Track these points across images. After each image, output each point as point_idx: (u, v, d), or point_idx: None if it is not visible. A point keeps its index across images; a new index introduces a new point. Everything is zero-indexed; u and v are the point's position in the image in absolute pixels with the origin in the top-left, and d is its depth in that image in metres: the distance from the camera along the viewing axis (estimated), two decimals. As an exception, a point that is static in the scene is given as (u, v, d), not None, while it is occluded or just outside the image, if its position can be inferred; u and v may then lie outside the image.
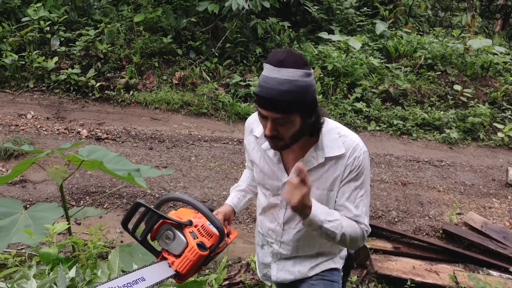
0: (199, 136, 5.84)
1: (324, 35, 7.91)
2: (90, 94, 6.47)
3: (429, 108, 7.09)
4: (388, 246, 3.98)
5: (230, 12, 7.16)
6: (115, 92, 6.48)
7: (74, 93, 6.48)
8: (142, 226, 1.46)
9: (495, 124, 6.91)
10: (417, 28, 9.86)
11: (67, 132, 5.51)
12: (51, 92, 6.45)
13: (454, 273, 3.58)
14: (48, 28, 6.82)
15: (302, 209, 1.44)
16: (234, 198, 1.90)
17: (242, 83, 6.90)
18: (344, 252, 1.86)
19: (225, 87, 6.95)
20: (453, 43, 8.29)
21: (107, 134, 5.59)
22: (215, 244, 1.44)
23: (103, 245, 2.38)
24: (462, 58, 8.01)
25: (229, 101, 6.53)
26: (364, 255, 3.63)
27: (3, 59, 6.36)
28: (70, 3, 7.23)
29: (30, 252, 2.32)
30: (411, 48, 8.15)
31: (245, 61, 7.36)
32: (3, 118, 5.63)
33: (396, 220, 4.50)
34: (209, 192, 4.57)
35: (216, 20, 7.42)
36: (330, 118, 1.60)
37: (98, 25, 7.12)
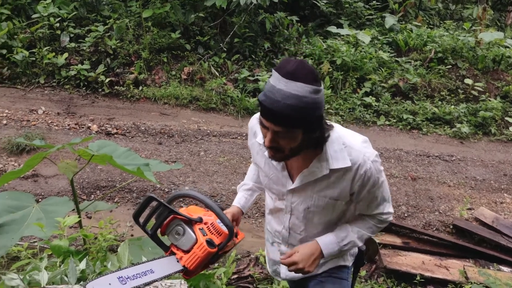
0: (208, 131, 5.85)
1: (332, 29, 7.85)
2: (100, 90, 6.52)
3: (440, 103, 7.02)
4: (397, 241, 3.96)
5: (238, 7, 7.14)
6: (125, 88, 6.51)
7: (84, 88, 6.53)
8: (153, 220, 1.47)
9: (507, 118, 6.82)
10: (427, 21, 9.75)
11: (78, 127, 5.56)
12: (61, 88, 6.50)
13: (464, 269, 3.56)
14: (58, 25, 6.87)
15: (314, 265, 1.57)
16: (242, 198, 1.89)
17: (251, 78, 6.90)
18: (354, 249, 1.83)
19: (234, 82, 6.95)
20: (464, 36, 8.18)
21: (117, 129, 5.63)
22: (223, 242, 1.45)
23: (113, 239, 2.40)
24: (473, 52, 7.90)
25: (237, 96, 6.53)
26: (373, 250, 3.62)
27: (14, 55, 6.42)
28: (79, -1, 7.27)
29: (41, 245, 2.36)
30: (421, 42, 8.06)
31: (253, 56, 7.34)
32: (15, 113, 5.69)
33: (405, 215, 4.48)
34: (218, 187, 4.59)
35: (224, 15, 7.40)
36: (335, 129, 1.51)
37: (107, 21, 7.15)
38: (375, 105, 6.78)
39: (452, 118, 6.72)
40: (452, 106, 6.89)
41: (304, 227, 1.68)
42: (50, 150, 2.34)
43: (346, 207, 1.64)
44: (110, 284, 1.19)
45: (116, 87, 6.53)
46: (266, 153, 1.59)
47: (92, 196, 4.30)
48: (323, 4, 8.46)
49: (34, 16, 6.90)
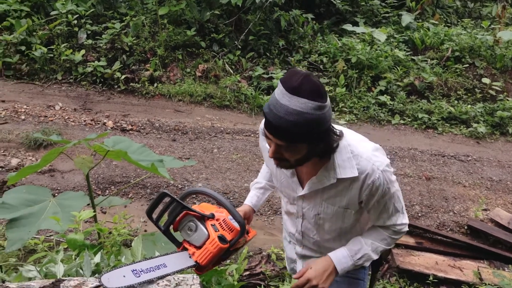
0: (222, 128, 5.88)
1: (348, 27, 7.80)
2: (116, 86, 6.60)
3: (456, 102, 6.92)
4: (410, 241, 3.93)
5: (254, 4, 7.14)
6: (140, 85, 6.58)
7: (100, 85, 6.62)
8: (166, 217, 1.49)
9: (525, 118, 6.69)
10: (445, 19, 9.60)
11: (94, 123, 5.65)
12: (78, 84, 6.60)
13: (478, 270, 3.52)
14: (75, 22, 6.97)
15: (328, 282, 1.55)
16: (254, 197, 1.90)
17: (265, 76, 6.90)
18: None
19: (248, 80, 6.96)
20: (482, 35, 8.04)
21: (131, 126, 5.69)
22: (235, 238, 1.47)
23: (127, 234, 2.44)
24: (491, 50, 7.76)
25: (251, 94, 6.55)
26: (386, 250, 3.60)
27: (33, 52, 6.54)
28: (96, -3, 7.36)
29: (57, 239, 2.41)
30: (438, 40, 7.95)
31: (268, 54, 7.34)
32: (32, 109, 5.80)
33: (419, 215, 4.44)
34: (231, 184, 4.61)
35: (239, 12, 7.41)
36: (344, 137, 1.47)
37: (124, 18, 7.23)
38: (390, 104, 6.72)
39: (468, 117, 6.62)
40: (469, 106, 6.79)
41: (316, 231, 1.68)
42: (67, 145, 2.38)
43: (358, 216, 1.63)
44: (124, 276, 1.22)
45: (131, 83, 6.60)
46: None
47: (107, 191, 4.36)
48: (339, 2, 8.41)
49: (52, 13, 7.02)
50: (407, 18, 8.41)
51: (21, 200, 2.22)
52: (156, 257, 1.33)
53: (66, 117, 5.70)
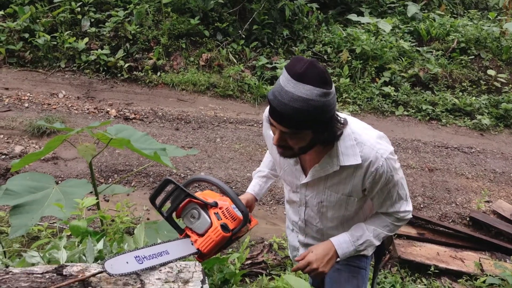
0: (225, 118, 5.88)
1: (353, 17, 7.74)
2: (119, 75, 6.59)
3: (460, 93, 6.88)
4: (412, 232, 3.94)
5: (258, -7, 7.09)
6: (143, 73, 6.57)
7: (103, 73, 6.61)
8: (169, 204, 1.50)
9: (530, 110, 6.65)
10: (451, 10, 9.50)
11: (97, 112, 5.65)
12: (81, 72, 6.59)
13: (479, 261, 3.53)
14: (79, 9, 6.94)
15: (328, 266, 1.55)
16: (256, 185, 1.90)
17: (269, 66, 6.87)
18: None
19: (251, 69, 6.94)
20: (489, 26, 7.95)
21: (135, 114, 5.69)
22: (238, 227, 1.47)
23: (129, 221, 2.45)
24: (497, 42, 7.69)
25: (255, 84, 6.52)
26: (388, 240, 3.60)
27: (36, 39, 6.53)
28: (100, -16, 7.31)
29: (60, 226, 2.42)
30: (443, 31, 7.88)
31: (272, 43, 7.30)
32: (36, 97, 5.81)
33: (421, 206, 4.44)
34: (233, 173, 4.62)
35: (244, 1, 7.36)
36: (348, 125, 1.47)
37: (127, 6, 7.19)
38: (394, 95, 6.69)
39: (472, 109, 6.58)
40: (473, 98, 6.75)
41: (319, 219, 1.68)
42: (70, 133, 2.38)
43: (361, 204, 1.63)
44: (127, 262, 1.22)
45: (134, 72, 6.59)
46: None
47: (110, 179, 4.38)
48: (344, -9, 8.32)
49: (56, 0, 6.98)
50: (413, 9, 8.33)
51: (24, 187, 2.23)
52: (158, 243, 1.34)
53: (69, 105, 5.71)
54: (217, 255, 2.66)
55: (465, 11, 9.59)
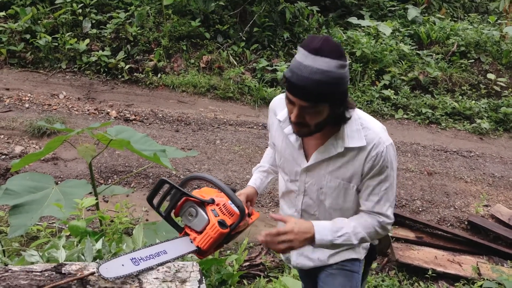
0: (225, 120, 5.89)
1: (353, 20, 7.76)
2: (120, 76, 6.60)
3: (460, 97, 6.89)
4: (410, 235, 3.95)
5: (259, -4, 7.12)
6: (144, 75, 6.59)
7: (104, 75, 6.63)
8: (167, 204, 1.51)
9: (529, 115, 6.67)
10: (451, 14, 9.53)
11: (97, 113, 5.67)
12: (82, 73, 6.61)
13: (477, 265, 3.54)
14: (80, 11, 6.97)
15: (300, 245, 1.47)
16: (257, 179, 1.90)
17: (269, 68, 6.89)
18: (365, 243, 1.82)
19: (252, 72, 6.96)
20: (489, 30, 7.98)
21: (135, 116, 5.71)
22: (235, 222, 1.48)
23: (129, 222, 2.46)
24: (497, 46, 7.71)
25: (255, 86, 6.54)
26: (386, 243, 3.63)
27: (38, 40, 6.55)
28: (101, -14, 7.34)
29: (59, 226, 2.44)
30: (443, 35, 7.91)
31: (272, 46, 7.32)
32: (37, 97, 5.83)
33: (420, 209, 4.45)
34: (233, 175, 4.63)
35: (244, 4, 7.39)
36: (355, 110, 1.54)
37: (128, 8, 7.22)
38: (394, 98, 6.70)
39: (472, 113, 6.60)
40: (473, 101, 6.76)
41: (317, 208, 1.68)
42: (70, 134, 2.40)
43: (357, 200, 1.63)
44: (123, 265, 1.23)
45: (135, 74, 6.61)
46: (285, 130, 1.63)
47: (110, 180, 4.39)
48: (345, -6, 8.35)
49: (57, 1, 7.01)
50: (413, 12, 8.36)
51: (24, 187, 2.25)
52: (156, 244, 1.35)
53: (70, 106, 5.73)
54: (216, 255, 2.67)
55: (465, 14, 9.62)
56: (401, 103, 6.68)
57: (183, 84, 6.53)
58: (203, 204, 1.46)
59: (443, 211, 4.45)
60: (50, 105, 5.68)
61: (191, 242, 1.44)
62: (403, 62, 7.20)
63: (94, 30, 6.90)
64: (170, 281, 1.21)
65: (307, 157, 1.62)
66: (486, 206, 4.57)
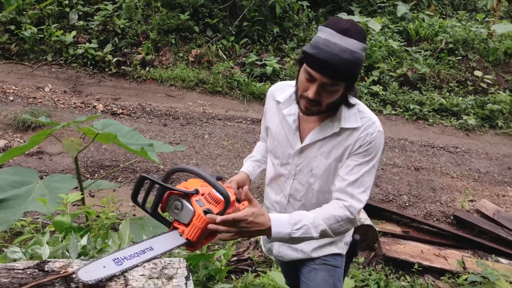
0: (213, 114, 5.86)
1: (343, 15, 7.76)
2: (107, 69, 6.52)
3: (447, 94, 6.96)
4: (397, 230, 3.98)
5: (248, -10, 7.07)
6: (132, 68, 6.51)
7: (91, 67, 6.54)
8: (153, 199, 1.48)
9: (515, 112, 6.76)
10: (440, 11, 9.60)
11: (84, 106, 5.59)
12: (68, 66, 6.51)
13: (462, 259, 3.58)
14: (67, 2, 6.85)
15: (248, 236, 1.44)
16: (249, 166, 1.89)
17: (258, 63, 6.87)
18: (348, 238, 1.84)
19: (241, 66, 6.93)
20: (477, 28, 8.06)
21: (122, 110, 5.65)
22: (222, 210, 1.45)
23: (115, 217, 2.43)
24: (485, 43, 7.80)
25: (244, 80, 6.52)
26: (373, 238, 3.65)
27: (23, 31, 6.43)
28: (88, -23, 7.22)
29: (43, 220, 2.40)
30: (432, 32, 7.96)
31: (262, 40, 7.29)
32: (21, 90, 5.72)
33: (407, 204, 4.49)
34: (221, 170, 4.62)
35: (234, -3, 7.34)
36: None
37: (116, 0, 7.12)
38: (382, 94, 6.74)
39: (459, 109, 6.67)
40: (460, 98, 6.83)
41: (304, 192, 1.68)
42: (55, 127, 2.36)
43: None
44: (104, 267, 1.18)
45: (123, 67, 6.53)
46: (285, 111, 1.66)
47: (96, 175, 4.34)
48: (334, -11, 8.34)
49: (43, -8, 6.89)
50: (402, 9, 8.40)
51: (7, 182, 2.20)
52: (141, 241, 1.32)
53: (56, 99, 5.64)
54: (204, 250, 2.66)
55: (454, 12, 9.69)
56: (389, 99, 6.72)
57: (171, 78, 6.48)
58: (187, 196, 1.44)
59: (429, 206, 4.49)
60: (36, 98, 5.59)
61: (181, 235, 1.42)
62: (392, 58, 7.23)
63: (81, 22, 6.80)
64: (156, 277, 1.19)
65: (301, 140, 1.65)
66: (472, 201, 4.63)
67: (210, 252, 2.70)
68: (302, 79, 1.46)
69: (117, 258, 1.21)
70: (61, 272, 1.14)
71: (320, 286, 1.75)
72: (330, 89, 1.43)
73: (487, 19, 8.69)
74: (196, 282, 1.77)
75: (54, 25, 6.63)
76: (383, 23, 7.85)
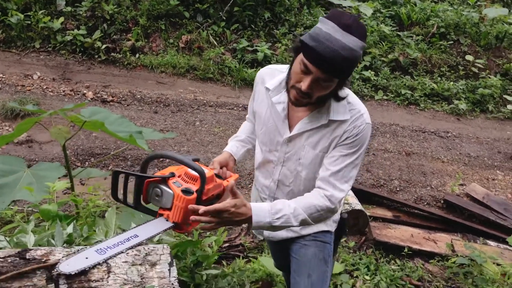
0: (204, 101, 5.83)
1: (335, 0, 7.70)
2: (96, 56, 6.44)
3: (439, 78, 6.96)
4: (388, 214, 4.02)
5: (239, -26, 6.97)
6: (121, 55, 6.44)
7: (80, 54, 6.45)
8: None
9: (505, 96, 6.79)
10: (432, -5, 9.55)
11: (73, 94, 5.53)
12: (57, 53, 6.42)
13: (451, 242, 3.63)
14: (53, -13, 6.72)
15: (228, 225, 1.48)
16: (233, 146, 1.88)
17: (249, 48, 6.81)
18: (336, 216, 1.86)
19: (232, 52, 6.87)
20: (468, 12, 8.03)
21: (112, 97, 5.60)
22: (200, 186, 1.45)
23: (105, 205, 2.42)
24: (476, 28, 7.78)
25: (235, 67, 6.47)
26: (364, 222, 3.67)
27: (9, 18, 6.30)
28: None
29: (29, 208, 2.39)
30: (424, 16, 7.93)
31: (253, 26, 7.22)
32: (9, 78, 5.64)
33: (398, 189, 4.52)
34: (213, 157, 4.60)
35: (224, -18, 7.24)
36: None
37: (104, -15, 6.99)
38: (374, 79, 6.73)
39: (450, 94, 6.68)
40: (451, 83, 6.84)
41: (293, 179, 1.70)
42: (43, 115, 2.33)
43: None
44: (87, 258, 1.18)
45: (112, 54, 6.45)
46: (274, 99, 1.64)
47: (87, 163, 4.31)
48: (326, -27, 8.25)
49: (29, -22, 6.74)
50: (394, -7, 8.33)
51: (-6, 170, 2.19)
52: (126, 231, 1.32)
53: (45, 87, 5.57)
54: (195, 237, 2.66)
55: (446, -5, 9.64)
56: (381, 84, 6.72)
57: (162, 64, 6.42)
58: (165, 180, 1.44)
59: (420, 190, 4.53)
60: (24, 86, 5.52)
61: (167, 220, 1.42)
62: (383, 43, 7.20)
63: (69, 8, 6.68)
64: (139, 264, 1.19)
65: (290, 128, 1.64)
66: (462, 185, 4.67)
67: (200, 239, 2.71)
68: (297, 69, 1.43)
69: (100, 249, 1.20)
70: (43, 260, 1.14)
71: (310, 261, 1.77)
72: (324, 84, 1.42)
73: (478, 3, 8.66)
74: (184, 268, 1.77)
75: (41, 12, 6.51)
76: (375, 7, 7.80)
